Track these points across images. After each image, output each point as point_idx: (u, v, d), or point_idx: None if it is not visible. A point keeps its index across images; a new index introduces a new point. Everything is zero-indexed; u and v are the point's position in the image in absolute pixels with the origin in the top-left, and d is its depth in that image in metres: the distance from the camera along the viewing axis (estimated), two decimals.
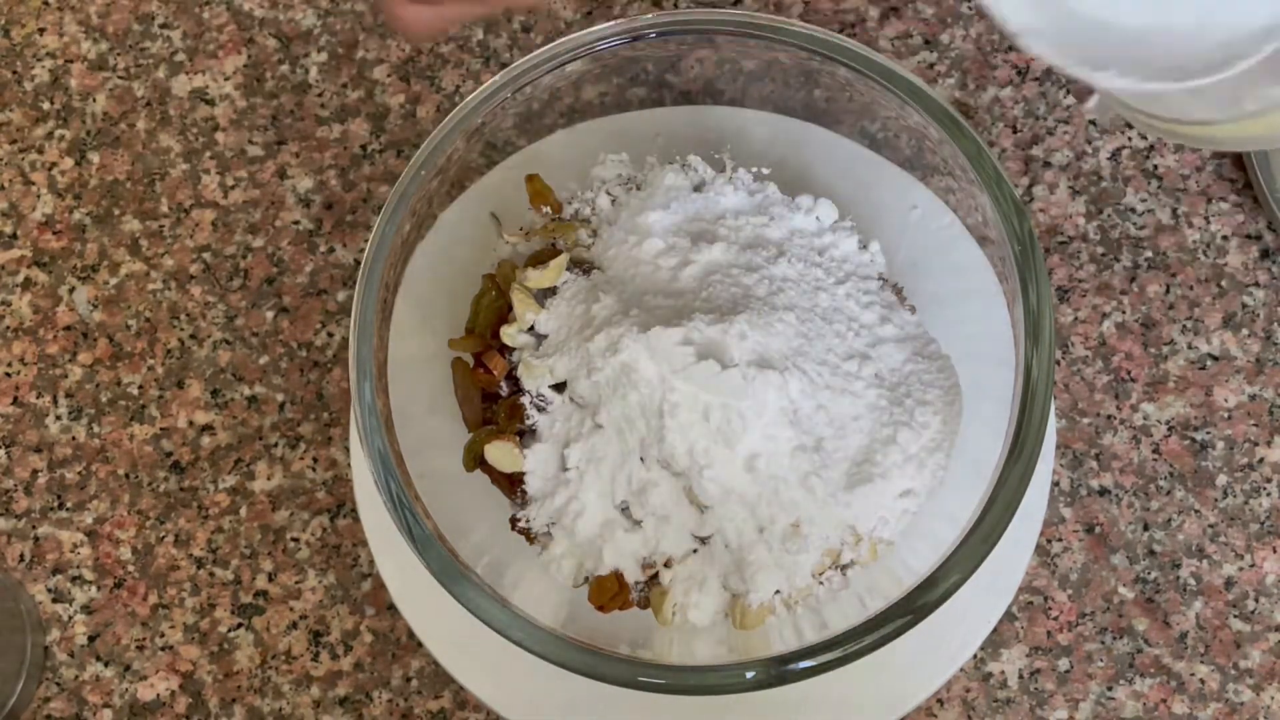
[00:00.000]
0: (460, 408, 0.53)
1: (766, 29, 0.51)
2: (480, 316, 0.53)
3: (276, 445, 0.60)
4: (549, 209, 0.55)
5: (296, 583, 0.59)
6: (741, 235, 0.52)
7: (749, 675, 0.45)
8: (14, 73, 0.66)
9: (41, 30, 0.67)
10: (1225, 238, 0.62)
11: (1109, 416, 0.60)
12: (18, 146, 0.65)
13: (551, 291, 0.52)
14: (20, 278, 0.63)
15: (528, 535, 0.51)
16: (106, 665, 0.58)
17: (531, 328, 0.52)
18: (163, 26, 0.67)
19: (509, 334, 0.52)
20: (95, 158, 0.65)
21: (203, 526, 0.59)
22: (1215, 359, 0.61)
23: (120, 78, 0.66)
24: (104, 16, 0.67)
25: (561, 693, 0.53)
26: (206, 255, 0.63)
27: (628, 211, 0.54)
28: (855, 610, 0.46)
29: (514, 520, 0.51)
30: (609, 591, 0.49)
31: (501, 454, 0.50)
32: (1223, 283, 0.61)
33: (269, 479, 0.60)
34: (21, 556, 0.59)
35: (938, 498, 0.49)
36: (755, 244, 0.52)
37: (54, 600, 0.59)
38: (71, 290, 0.63)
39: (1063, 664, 0.57)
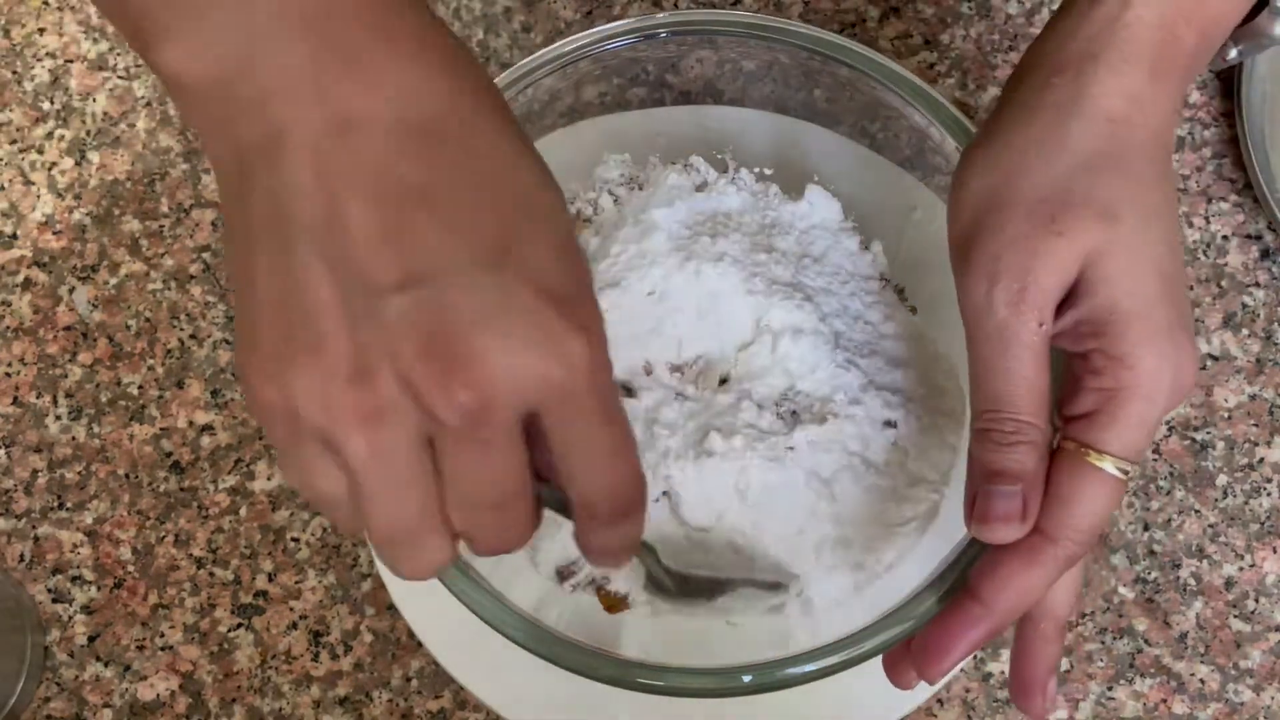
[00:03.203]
0: None
1: (768, 30, 0.52)
2: None
3: None
4: None
5: (296, 583, 0.59)
6: (746, 233, 0.52)
7: (746, 679, 0.45)
8: (14, 73, 0.66)
9: (41, 30, 0.67)
10: (1225, 238, 0.62)
11: None
12: (18, 146, 0.65)
13: None
14: (20, 278, 0.63)
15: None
16: (106, 665, 0.58)
17: None
18: None
19: None
20: (95, 158, 0.65)
21: (203, 526, 0.59)
22: (1215, 359, 0.60)
23: (120, 78, 0.66)
24: (104, 17, 0.67)
25: (561, 693, 0.53)
26: (206, 255, 0.63)
27: (631, 209, 0.54)
28: (858, 614, 0.46)
29: None
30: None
31: None
32: (1223, 283, 0.61)
33: (269, 479, 0.60)
34: (21, 556, 0.59)
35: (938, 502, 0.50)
36: (758, 246, 0.52)
37: (54, 600, 0.59)
38: (71, 290, 0.63)
39: (1063, 664, 0.57)
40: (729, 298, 0.50)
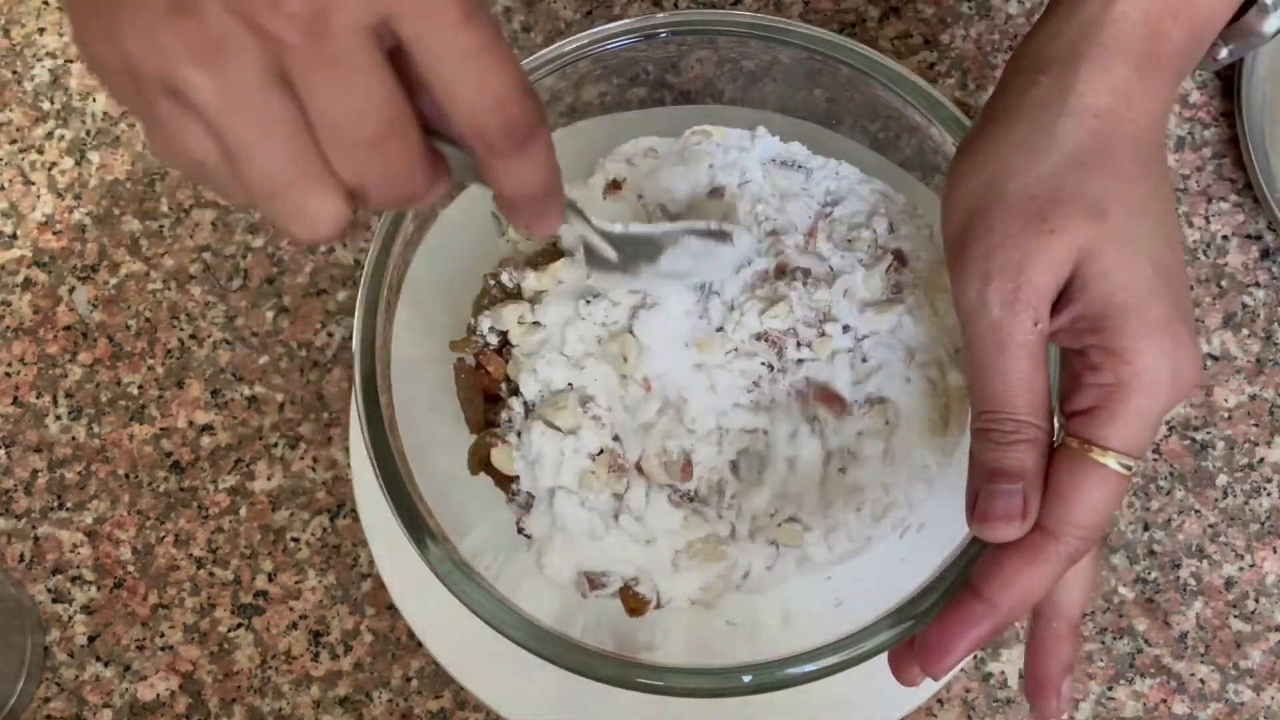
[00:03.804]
0: (463, 409, 0.53)
1: (769, 30, 0.52)
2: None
3: (276, 445, 0.60)
4: None
5: (296, 583, 0.59)
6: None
7: (745, 679, 0.45)
8: (14, 73, 0.66)
9: (41, 30, 0.67)
10: (1225, 238, 0.62)
11: None
12: (18, 146, 0.65)
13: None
14: (20, 278, 0.63)
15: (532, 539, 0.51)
16: (106, 665, 0.58)
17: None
18: None
19: (516, 334, 0.51)
20: (95, 158, 0.65)
21: (203, 526, 0.59)
22: (1215, 359, 0.61)
23: None
24: None
25: (561, 693, 0.53)
26: (206, 255, 0.63)
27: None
28: (859, 614, 0.46)
29: (520, 526, 0.51)
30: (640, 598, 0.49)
31: (507, 458, 0.50)
32: (1223, 283, 0.61)
33: (269, 479, 0.60)
34: (21, 556, 0.59)
35: (937, 503, 0.49)
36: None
37: (54, 600, 0.59)
38: (71, 290, 0.63)
39: None
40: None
